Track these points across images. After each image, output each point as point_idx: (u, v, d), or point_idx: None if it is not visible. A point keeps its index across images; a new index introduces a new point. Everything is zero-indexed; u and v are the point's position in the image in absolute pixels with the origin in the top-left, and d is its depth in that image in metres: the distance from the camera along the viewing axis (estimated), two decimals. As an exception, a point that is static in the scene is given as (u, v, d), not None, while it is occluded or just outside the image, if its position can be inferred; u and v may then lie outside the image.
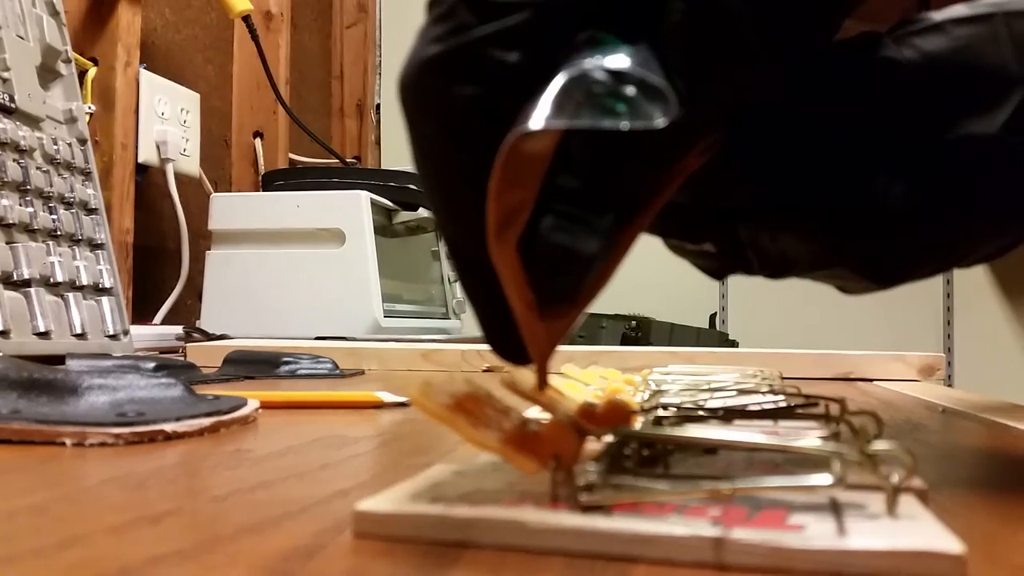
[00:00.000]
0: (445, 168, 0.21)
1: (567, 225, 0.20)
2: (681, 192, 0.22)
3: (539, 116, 0.18)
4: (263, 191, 1.30)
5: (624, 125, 0.18)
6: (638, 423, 0.25)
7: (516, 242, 0.20)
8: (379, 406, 0.45)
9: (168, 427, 0.32)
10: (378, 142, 2.15)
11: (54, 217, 0.64)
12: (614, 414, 0.24)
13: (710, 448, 0.24)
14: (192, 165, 1.30)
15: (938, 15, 0.22)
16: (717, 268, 0.27)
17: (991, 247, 0.25)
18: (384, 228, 1.22)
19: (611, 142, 0.19)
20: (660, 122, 0.18)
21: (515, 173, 0.19)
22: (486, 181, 0.19)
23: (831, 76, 0.23)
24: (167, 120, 1.23)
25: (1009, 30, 0.21)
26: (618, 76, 0.19)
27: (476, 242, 0.20)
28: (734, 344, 1.81)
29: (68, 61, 0.72)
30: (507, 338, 0.22)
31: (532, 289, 0.20)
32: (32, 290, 0.59)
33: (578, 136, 0.19)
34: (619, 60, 0.19)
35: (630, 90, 0.18)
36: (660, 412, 0.28)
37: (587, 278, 0.20)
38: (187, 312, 1.25)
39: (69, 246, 0.65)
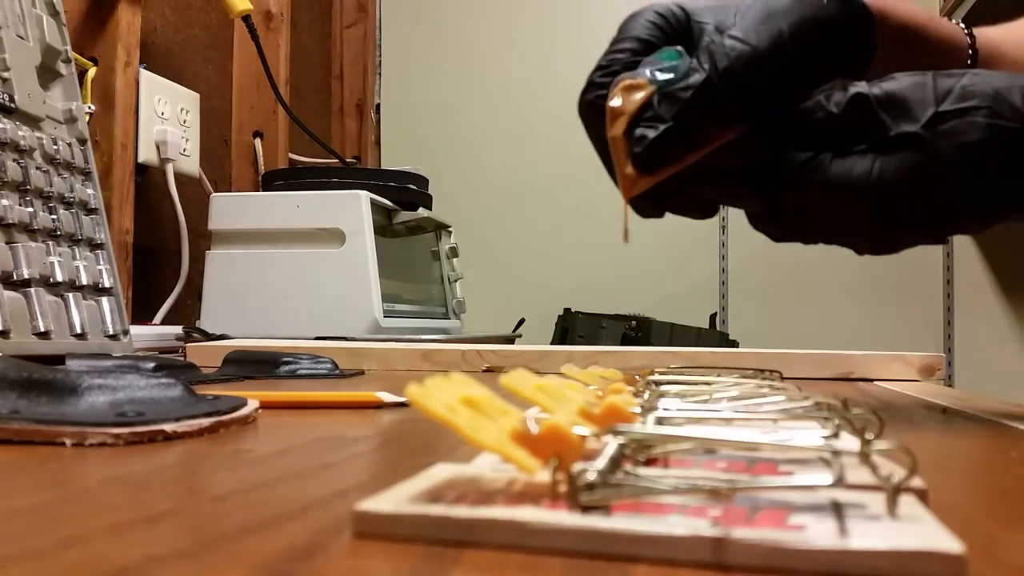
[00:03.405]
0: (594, 137, 0.44)
1: (650, 126, 0.40)
2: (721, 157, 0.40)
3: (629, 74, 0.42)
4: (263, 191, 1.30)
5: (662, 75, 0.40)
6: (638, 423, 0.25)
7: (622, 133, 0.41)
8: (379, 406, 0.45)
9: (168, 427, 0.32)
10: (378, 142, 2.15)
11: (54, 217, 0.64)
12: (614, 415, 0.24)
13: (710, 448, 0.24)
14: (192, 165, 1.30)
15: (898, 74, 0.39)
16: (775, 235, 0.43)
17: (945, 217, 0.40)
18: (384, 228, 1.22)
19: (676, 100, 0.39)
20: (681, 66, 0.40)
21: (620, 106, 0.41)
22: (606, 140, 0.42)
23: (823, 105, 0.39)
24: (167, 120, 1.23)
25: (934, 82, 0.38)
26: (665, 55, 0.42)
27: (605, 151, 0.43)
28: (734, 344, 1.81)
29: (68, 61, 0.72)
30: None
31: (630, 157, 0.41)
32: (32, 290, 0.59)
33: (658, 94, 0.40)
34: (664, 52, 0.42)
35: (672, 58, 0.41)
36: (660, 412, 0.28)
37: (657, 156, 0.40)
38: (187, 312, 1.25)
39: (69, 246, 0.65)
